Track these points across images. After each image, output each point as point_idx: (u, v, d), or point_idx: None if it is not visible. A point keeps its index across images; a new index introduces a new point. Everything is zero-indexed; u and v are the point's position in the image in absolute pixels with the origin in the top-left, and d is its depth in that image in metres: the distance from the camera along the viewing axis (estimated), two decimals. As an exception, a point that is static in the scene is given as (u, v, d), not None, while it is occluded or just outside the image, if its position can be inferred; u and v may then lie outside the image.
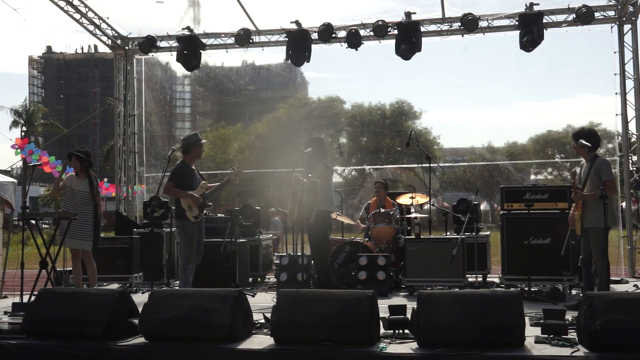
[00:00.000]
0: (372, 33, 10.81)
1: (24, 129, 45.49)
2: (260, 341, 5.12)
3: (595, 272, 6.57)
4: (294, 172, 7.30)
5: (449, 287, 7.92)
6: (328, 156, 7.58)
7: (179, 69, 56.01)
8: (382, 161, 40.01)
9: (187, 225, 7.50)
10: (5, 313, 6.77)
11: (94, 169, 8.12)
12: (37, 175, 40.81)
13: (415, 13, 10.63)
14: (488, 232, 9.48)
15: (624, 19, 10.37)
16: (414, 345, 4.85)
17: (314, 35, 11.01)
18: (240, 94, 65.60)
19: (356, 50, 10.90)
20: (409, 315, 5.17)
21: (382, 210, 8.97)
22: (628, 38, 10.41)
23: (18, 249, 8.00)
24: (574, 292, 7.99)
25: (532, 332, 5.06)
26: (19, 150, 16.18)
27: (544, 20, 10.23)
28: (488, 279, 8.90)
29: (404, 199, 9.33)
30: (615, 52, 10.47)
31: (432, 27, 10.98)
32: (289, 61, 11.30)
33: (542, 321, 5.18)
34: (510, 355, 4.56)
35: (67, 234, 7.52)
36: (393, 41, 10.66)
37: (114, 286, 9.16)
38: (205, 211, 7.69)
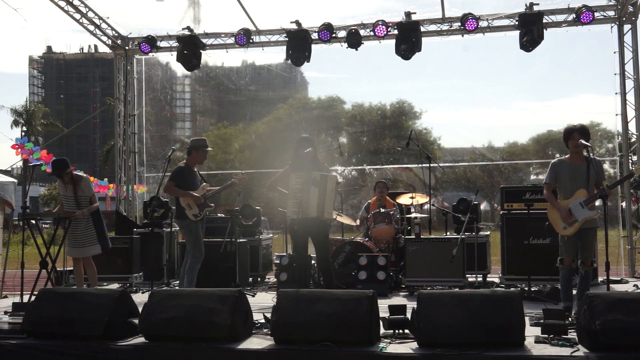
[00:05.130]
0: (372, 33, 10.81)
1: (24, 128, 45.46)
2: (260, 341, 5.12)
3: (586, 274, 6.28)
4: (287, 170, 7.18)
5: (449, 287, 7.92)
6: None
7: (179, 69, 56.22)
8: (382, 161, 39.95)
9: (190, 224, 7.50)
10: (5, 313, 6.78)
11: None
12: (37, 175, 40.80)
13: (415, 13, 10.64)
14: (488, 232, 9.46)
15: (624, 19, 10.37)
16: (414, 345, 4.85)
17: (314, 35, 11.02)
18: (240, 94, 65.60)
19: (356, 50, 10.90)
20: (409, 315, 5.18)
21: (382, 210, 8.97)
22: (628, 38, 10.41)
23: (18, 249, 8.01)
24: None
25: (532, 332, 5.07)
26: (19, 149, 16.16)
27: (544, 20, 10.22)
28: (488, 279, 8.88)
29: (404, 199, 9.32)
30: (615, 52, 10.48)
31: (432, 27, 10.98)
32: (289, 61, 11.30)
33: (542, 321, 5.18)
34: (510, 355, 4.56)
35: (72, 244, 7.52)
36: (393, 41, 10.66)
37: (114, 286, 9.16)
38: (206, 211, 7.69)
